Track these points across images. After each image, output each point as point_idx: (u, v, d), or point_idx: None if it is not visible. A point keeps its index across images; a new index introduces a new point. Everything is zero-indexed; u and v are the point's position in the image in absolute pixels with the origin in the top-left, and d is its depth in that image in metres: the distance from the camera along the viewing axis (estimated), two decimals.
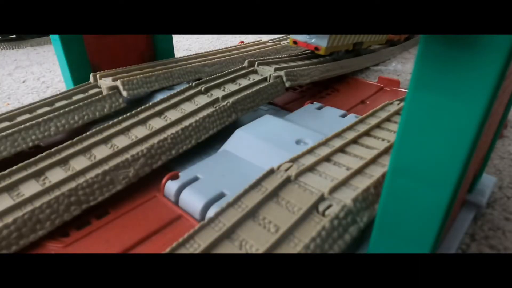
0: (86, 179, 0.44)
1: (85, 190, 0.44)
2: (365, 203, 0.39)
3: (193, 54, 0.86)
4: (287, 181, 0.42)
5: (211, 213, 0.43)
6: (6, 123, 0.55)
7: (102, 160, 0.47)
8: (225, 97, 0.62)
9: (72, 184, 0.43)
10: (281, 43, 1.05)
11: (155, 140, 0.51)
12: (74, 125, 0.58)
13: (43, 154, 0.47)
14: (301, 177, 0.42)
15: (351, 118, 0.66)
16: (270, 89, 0.68)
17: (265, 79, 0.70)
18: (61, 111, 0.58)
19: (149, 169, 0.49)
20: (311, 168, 0.44)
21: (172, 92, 0.63)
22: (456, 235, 0.40)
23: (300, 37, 0.81)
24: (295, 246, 0.34)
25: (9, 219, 0.39)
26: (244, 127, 0.58)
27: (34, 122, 0.55)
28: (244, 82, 0.68)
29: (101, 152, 0.49)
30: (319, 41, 0.79)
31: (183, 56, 0.84)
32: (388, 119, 0.57)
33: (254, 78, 0.70)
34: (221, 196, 0.45)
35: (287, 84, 0.71)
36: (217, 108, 0.59)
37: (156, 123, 0.55)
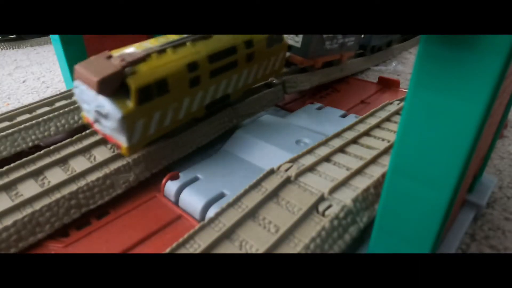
0: (87, 182, 0.44)
1: (86, 194, 0.44)
2: (365, 203, 0.39)
3: None
4: (287, 182, 0.42)
5: (211, 213, 0.43)
6: (6, 123, 0.55)
7: (102, 162, 0.47)
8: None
9: (73, 187, 0.43)
10: None
11: (156, 144, 0.51)
12: (74, 125, 0.58)
13: (41, 152, 0.47)
14: (301, 177, 0.42)
15: (351, 118, 0.66)
16: (271, 96, 0.68)
17: (265, 85, 0.70)
18: (61, 111, 0.58)
19: (148, 174, 0.49)
20: (311, 168, 0.44)
21: None
22: (456, 235, 0.40)
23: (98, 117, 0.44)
24: (295, 246, 0.34)
25: (9, 221, 0.39)
26: (244, 127, 0.58)
27: (34, 122, 0.55)
28: None
29: (101, 153, 0.49)
30: (117, 135, 0.44)
31: None
32: (388, 119, 0.57)
33: None
34: (221, 196, 0.45)
35: (288, 91, 0.71)
36: (218, 113, 0.59)
37: None
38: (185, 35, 0.49)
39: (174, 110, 0.47)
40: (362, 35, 0.95)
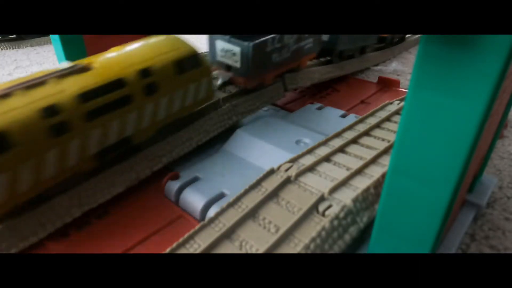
0: (88, 180, 0.44)
1: (87, 192, 0.44)
2: (365, 203, 0.39)
3: None
4: (287, 181, 0.42)
5: (211, 213, 0.43)
6: None
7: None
8: (226, 99, 0.61)
9: (74, 186, 0.43)
10: None
11: (155, 142, 0.51)
12: None
13: None
14: (301, 177, 0.42)
15: (351, 118, 0.66)
16: (271, 92, 0.68)
17: None
18: None
19: (149, 172, 0.49)
20: (311, 168, 0.44)
21: None
22: (456, 235, 0.40)
23: None
24: (295, 246, 0.34)
25: (9, 220, 0.39)
26: (244, 127, 0.58)
27: None
28: None
29: None
30: None
31: None
32: (388, 119, 0.57)
33: None
34: (221, 196, 0.45)
35: (288, 88, 0.71)
36: (218, 110, 0.59)
37: None
38: (51, 72, 0.40)
39: (33, 169, 0.36)
40: (326, 38, 0.83)
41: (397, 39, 1.17)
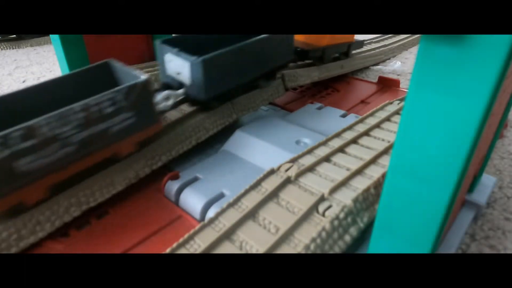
0: (87, 180, 0.44)
1: (85, 192, 0.44)
2: (365, 204, 0.39)
3: None
4: (287, 182, 0.42)
5: (211, 213, 0.43)
6: None
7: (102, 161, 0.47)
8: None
9: (73, 185, 0.43)
10: None
11: (155, 139, 0.51)
12: None
13: None
14: (301, 177, 0.42)
15: (351, 118, 0.66)
16: (271, 90, 0.68)
17: (265, 80, 0.69)
18: None
19: (149, 170, 0.49)
20: (311, 169, 0.44)
21: None
22: (456, 235, 0.40)
23: None
24: (295, 247, 0.34)
25: (9, 220, 0.39)
26: (244, 127, 0.58)
27: None
28: None
29: None
30: None
31: None
32: (388, 119, 0.57)
33: None
34: (221, 196, 0.45)
35: (288, 85, 0.71)
36: (217, 108, 0.59)
37: None
38: None
39: None
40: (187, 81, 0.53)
41: (335, 55, 0.85)
